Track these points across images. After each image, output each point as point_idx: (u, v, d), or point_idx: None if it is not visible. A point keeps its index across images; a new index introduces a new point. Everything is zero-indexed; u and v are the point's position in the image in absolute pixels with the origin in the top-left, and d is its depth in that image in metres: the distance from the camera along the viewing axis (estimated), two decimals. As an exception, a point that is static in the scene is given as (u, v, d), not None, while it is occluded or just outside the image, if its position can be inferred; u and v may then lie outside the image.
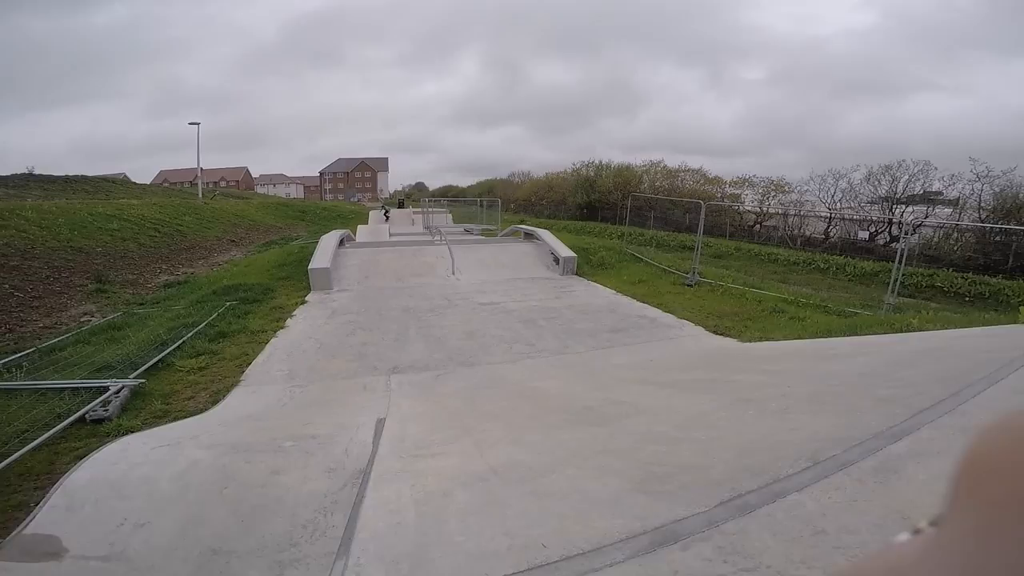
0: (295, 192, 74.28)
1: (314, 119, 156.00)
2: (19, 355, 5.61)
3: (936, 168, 18.39)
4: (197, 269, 13.17)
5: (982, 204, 16.69)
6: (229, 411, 4.21)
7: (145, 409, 4.24)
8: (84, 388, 4.44)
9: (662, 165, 28.56)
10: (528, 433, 3.19)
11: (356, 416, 3.80)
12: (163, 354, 5.43)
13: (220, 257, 15.54)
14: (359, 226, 19.71)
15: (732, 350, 5.76)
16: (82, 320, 7.80)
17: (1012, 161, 16.04)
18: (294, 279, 9.81)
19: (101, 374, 4.84)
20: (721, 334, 6.43)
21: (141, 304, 8.88)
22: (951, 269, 13.76)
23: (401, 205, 30.78)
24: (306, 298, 8.47)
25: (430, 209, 21.18)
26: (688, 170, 27.70)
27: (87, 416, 3.92)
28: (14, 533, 2.28)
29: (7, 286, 8.31)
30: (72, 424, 3.81)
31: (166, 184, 51.75)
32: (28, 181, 23.40)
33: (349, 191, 75.45)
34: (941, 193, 18.61)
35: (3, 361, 5.33)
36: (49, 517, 2.30)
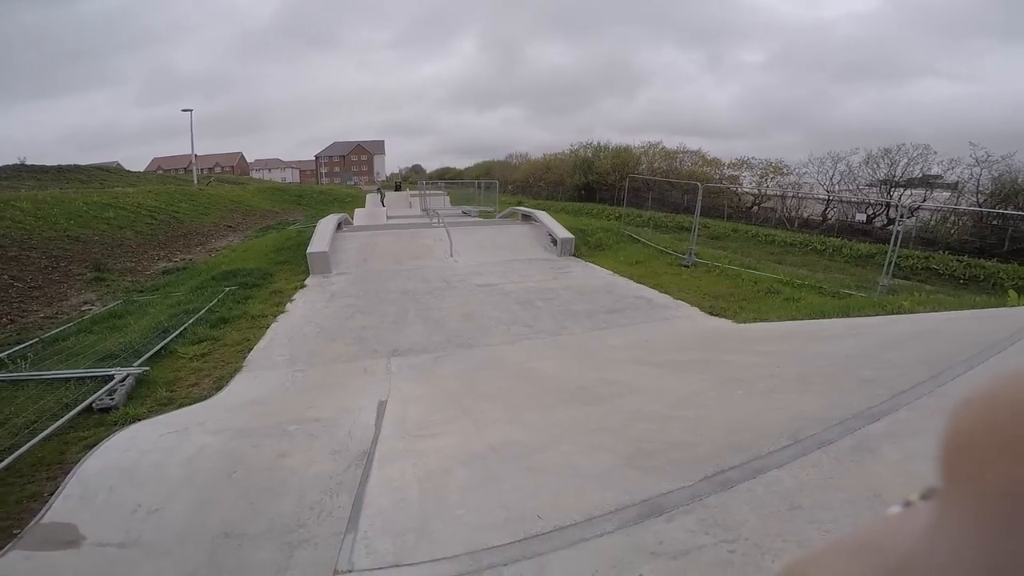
0: (291, 177, 73.73)
1: (309, 103, 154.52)
2: (23, 346, 5.68)
3: (935, 152, 18.37)
4: (195, 255, 13.19)
5: (980, 188, 16.72)
6: (233, 397, 4.31)
7: (150, 397, 4.33)
8: (89, 377, 4.52)
9: (660, 146, 28.36)
10: (525, 413, 3.29)
11: (358, 399, 3.90)
12: (165, 341, 5.50)
13: (217, 243, 15.54)
14: (356, 209, 19.64)
15: (726, 331, 5.86)
16: (83, 309, 7.86)
17: (1012, 146, 16.03)
18: (292, 263, 9.84)
19: (105, 363, 4.92)
20: (716, 315, 6.51)
21: (140, 291, 8.93)
22: (947, 252, 13.88)
23: (398, 188, 30.52)
24: (305, 282, 8.52)
25: (427, 192, 21.08)
26: (686, 151, 27.52)
27: (94, 405, 4.00)
28: (32, 523, 2.35)
29: (6, 276, 8.36)
30: (79, 414, 3.88)
31: (160, 171, 51.32)
32: (20, 172, 23.30)
33: (346, 174, 74.89)
34: (940, 177, 18.58)
35: (7, 352, 5.41)
36: (65, 506, 2.39)
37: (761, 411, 2.60)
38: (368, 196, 23.48)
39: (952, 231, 15.69)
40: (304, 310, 6.92)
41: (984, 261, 13.21)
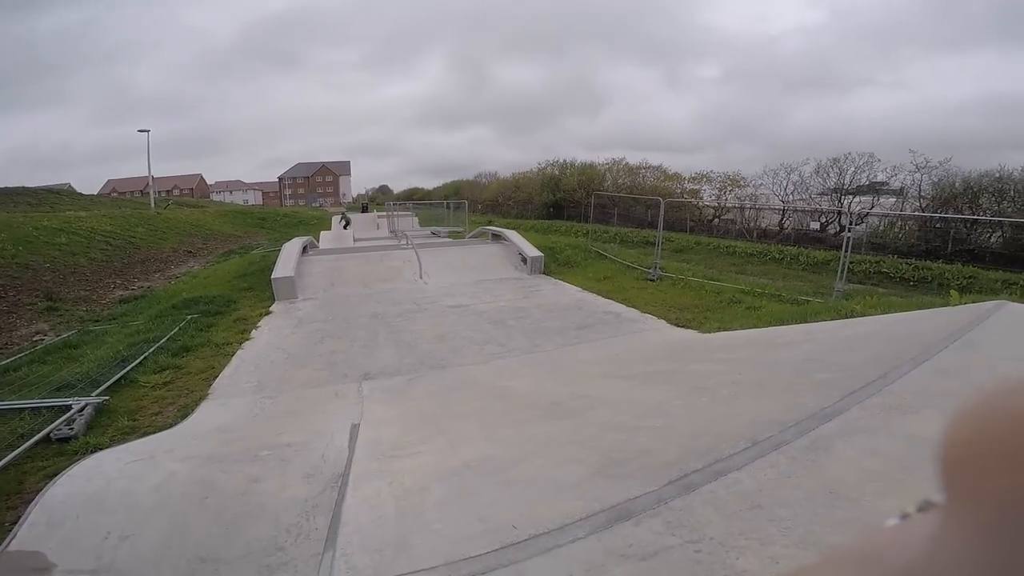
0: (253, 199, 72.09)
1: (273, 123, 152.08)
2: (-31, 379, 5.40)
3: (879, 160, 19.44)
4: (154, 282, 12.78)
5: (922, 193, 17.75)
6: (200, 424, 4.20)
7: (112, 426, 4.18)
8: (45, 407, 4.34)
9: (624, 163, 29.24)
10: (500, 429, 3.34)
11: (330, 423, 3.87)
12: (125, 370, 5.32)
13: (177, 269, 15.10)
14: (322, 232, 19.43)
15: (691, 341, 6.06)
16: (35, 339, 7.52)
17: (949, 152, 17.18)
18: (257, 289, 9.64)
19: (61, 393, 4.72)
20: (682, 326, 6.73)
21: (96, 321, 8.60)
22: (896, 256, 14.62)
23: (365, 209, 30.35)
24: (271, 308, 8.36)
25: (395, 212, 21.03)
26: (649, 167, 28.44)
27: (52, 435, 3.86)
28: None
29: (-51, 307, 7.93)
30: (37, 444, 3.74)
31: (115, 194, 49.64)
32: (-38, 194, 22.11)
33: (310, 196, 73.89)
34: (886, 183, 19.65)
35: (-47, 386, 5.13)
36: (31, 533, 2.30)
37: (723, 416, 2.73)
38: (334, 219, 23.23)
39: (900, 236, 16.52)
40: (271, 336, 6.79)
41: (931, 263, 13.93)
